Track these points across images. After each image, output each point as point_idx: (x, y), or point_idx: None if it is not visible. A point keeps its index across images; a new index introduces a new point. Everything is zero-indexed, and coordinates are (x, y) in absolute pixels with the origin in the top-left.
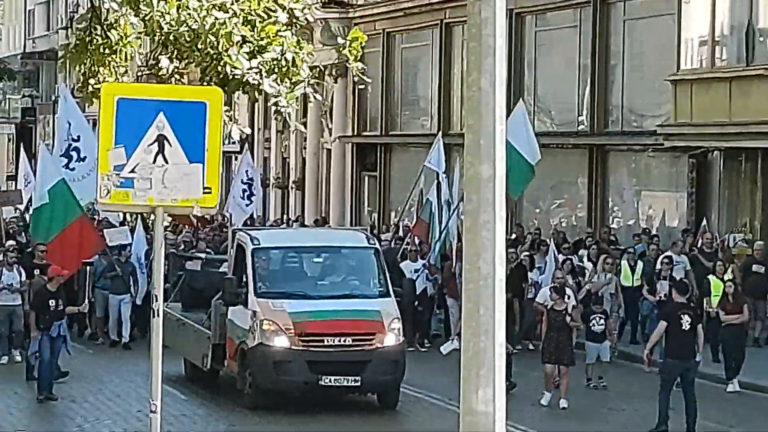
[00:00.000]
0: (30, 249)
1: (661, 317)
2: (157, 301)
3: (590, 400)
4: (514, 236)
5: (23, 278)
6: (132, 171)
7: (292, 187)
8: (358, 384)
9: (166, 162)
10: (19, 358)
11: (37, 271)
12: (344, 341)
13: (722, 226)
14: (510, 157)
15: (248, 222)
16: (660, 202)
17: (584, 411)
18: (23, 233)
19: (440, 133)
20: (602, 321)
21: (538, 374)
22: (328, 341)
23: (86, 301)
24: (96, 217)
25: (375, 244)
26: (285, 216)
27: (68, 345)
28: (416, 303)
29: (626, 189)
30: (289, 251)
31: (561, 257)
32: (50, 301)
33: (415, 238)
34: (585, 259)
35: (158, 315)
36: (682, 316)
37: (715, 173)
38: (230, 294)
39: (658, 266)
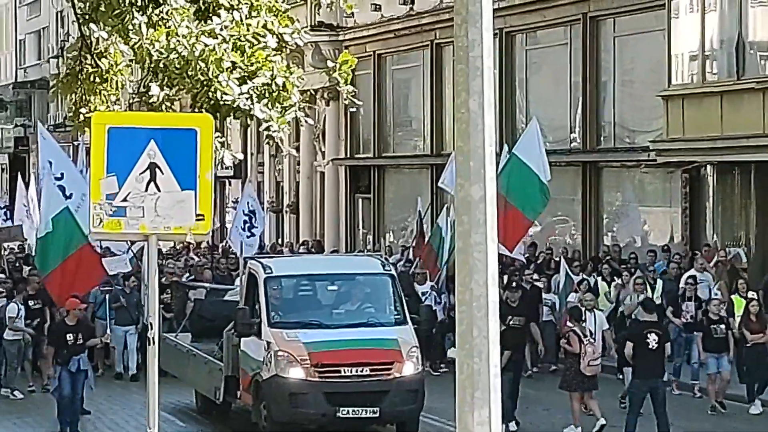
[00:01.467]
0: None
1: (627, 337)
2: (152, 329)
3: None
4: (526, 255)
5: (23, 313)
6: (124, 200)
7: (286, 211)
8: (377, 415)
9: (158, 190)
10: (21, 396)
11: (31, 302)
12: (362, 371)
13: (717, 240)
14: (522, 176)
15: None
16: (654, 217)
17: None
18: (22, 265)
19: (455, 152)
20: None
21: (534, 393)
22: (345, 371)
23: (108, 331)
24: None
25: (391, 270)
26: (279, 240)
27: (91, 380)
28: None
29: (631, 205)
30: (302, 279)
31: (576, 278)
32: (68, 336)
33: (421, 261)
34: (600, 279)
35: (154, 343)
36: (648, 335)
37: (709, 188)
38: (242, 324)
39: (682, 285)
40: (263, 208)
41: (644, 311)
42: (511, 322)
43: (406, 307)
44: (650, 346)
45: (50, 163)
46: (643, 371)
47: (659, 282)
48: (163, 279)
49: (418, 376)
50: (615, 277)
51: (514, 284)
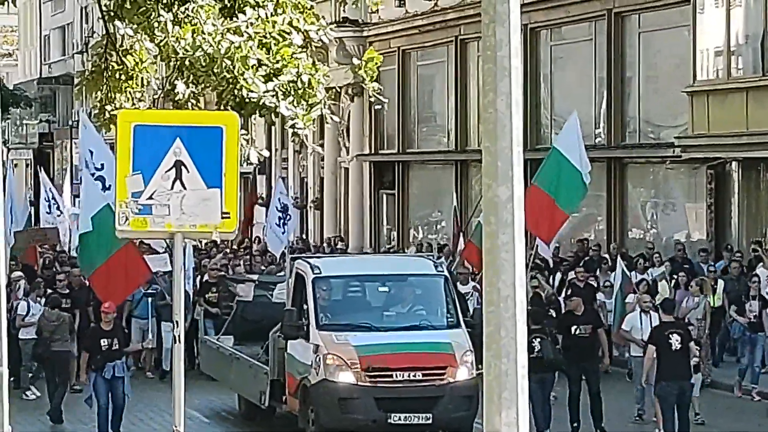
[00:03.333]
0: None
1: (648, 341)
2: (177, 326)
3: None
4: (572, 253)
5: (35, 311)
6: (150, 198)
7: (310, 207)
8: (430, 421)
9: (184, 188)
10: (33, 397)
11: (63, 301)
12: (414, 376)
13: (742, 236)
14: (561, 169)
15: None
16: (679, 213)
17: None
18: (53, 263)
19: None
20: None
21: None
22: (396, 376)
23: (152, 336)
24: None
25: (443, 271)
26: (304, 236)
27: (126, 387)
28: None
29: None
30: (351, 280)
31: (634, 277)
32: (102, 341)
33: (465, 261)
34: (661, 279)
35: (180, 341)
36: (670, 336)
37: (734, 184)
38: (290, 326)
39: (751, 284)
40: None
41: (663, 312)
42: (577, 332)
43: (459, 310)
44: (673, 347)
45: (91, 152)
46: (669, 373)
47: (720, 282)
48: (206, 277)
49: (472, 382)
50: (674, 276)
51: (570, 291)
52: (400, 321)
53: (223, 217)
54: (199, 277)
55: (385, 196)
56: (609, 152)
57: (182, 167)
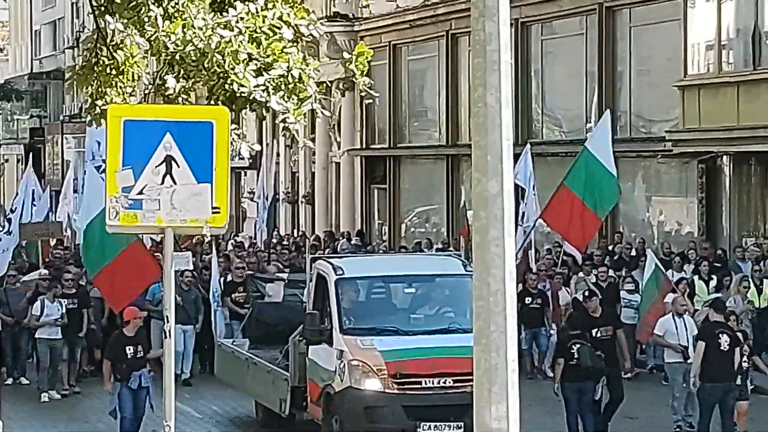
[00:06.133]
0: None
1: (699, 337)
2: (168, 322)
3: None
4: (595, 250)
5: (64, 311)
6: (140, 192)
7: (301, 202)
8: (461, 430)
9: (174, 183)
10: (58, 397)
11: (65, 301)
12: (444, 382)
13: (733, 230)
14: (594, 172)
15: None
16: (670, 208)
17: None
18: (61, 263)
19: (528, 144)
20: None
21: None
22: (426, 383)
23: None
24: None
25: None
26: (295, 230)
27: (152, 398)
28: None
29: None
30: (376, 281)
31: (671, 275)
32: (127, 348)
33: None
34: (696, 278)
35: (170, 336)
36: (720, 335)
37: (725, 178)
38: (311, 331)
39: None
40: (279, 199)
41: (714, 311)
42: (598, 335)
43: None
44: (722, 347)
45: (98, 143)
46: (716, 374)
47: (765, 282)
48: (229, 276)
49: None
50: (712, 276)
51: (587, 291)
52: (428, 324)
53: (213, 212)
54: (225, 277)
55: (376, 191)
56: None
57: (172, 162)
